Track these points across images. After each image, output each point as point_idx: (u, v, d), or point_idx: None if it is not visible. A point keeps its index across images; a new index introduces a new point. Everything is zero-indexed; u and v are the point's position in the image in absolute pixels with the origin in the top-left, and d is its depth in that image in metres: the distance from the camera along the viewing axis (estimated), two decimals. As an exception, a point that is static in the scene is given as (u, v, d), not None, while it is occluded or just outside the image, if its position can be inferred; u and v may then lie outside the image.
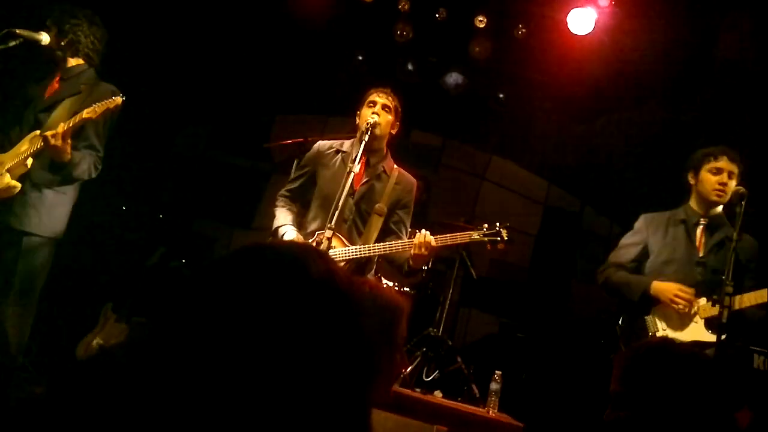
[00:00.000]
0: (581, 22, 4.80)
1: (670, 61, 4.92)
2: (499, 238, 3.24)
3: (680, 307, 3.17)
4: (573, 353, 5.74)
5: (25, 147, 3.24)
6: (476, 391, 4.60)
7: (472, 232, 3.28)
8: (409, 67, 5.86)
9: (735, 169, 3.30)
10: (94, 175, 3.40)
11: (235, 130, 7.23)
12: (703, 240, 3.34)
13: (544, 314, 6.90)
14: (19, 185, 3.19)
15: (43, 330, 3.98)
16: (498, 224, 3.26)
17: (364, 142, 3.24)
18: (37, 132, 3.26)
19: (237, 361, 0.71)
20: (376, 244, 3.29)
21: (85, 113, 3.11)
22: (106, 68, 3.65)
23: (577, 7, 4.81)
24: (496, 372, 4.31)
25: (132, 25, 5.14)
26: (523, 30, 5.43)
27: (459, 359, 4.88)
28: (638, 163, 5.96)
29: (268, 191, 7.06)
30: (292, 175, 3.71)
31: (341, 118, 6.77)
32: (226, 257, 0.83)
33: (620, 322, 3.48)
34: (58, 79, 3.48)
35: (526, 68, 5.88)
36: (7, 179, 3.19)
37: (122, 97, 3.20)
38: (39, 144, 3.16)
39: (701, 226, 3.37)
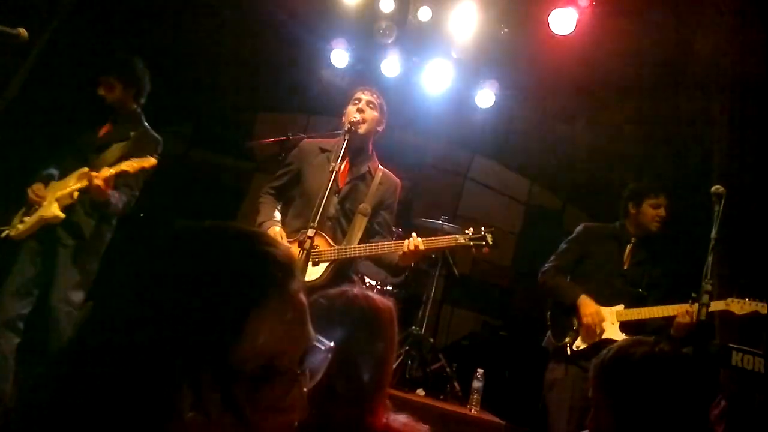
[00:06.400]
0: (562, 22, 4.82)
1: (651, 61, 4.96)
2: (484, 243, 3.22)
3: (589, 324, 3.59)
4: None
5: (73, 182, 3.54)
6: (458, 389, 4.62)
7: (457, 237, 3.23)
8: (391, 65, 5.86)
9: (667, 202, 3.80)
10: (127, 211, 3.75)
11: (217, 130, 7.18)
12: (630, 256, 3.83)
13: (526, 312, 6.93)
14: (63, 216, 3.49)
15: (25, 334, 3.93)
16: (483, 228, 3.23)
17: (346, 140, 3.23)
18: (86, 169, 3.50)
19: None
20: (362, 245, 3.26)
21: (125, 165, 3.42)
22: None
23: (558, 7, 4.83)
24: (479, 370, 4.33)
25: (114, 25, 5.09)
26: (505, 30, 5.45)
27: (441, 357, 4.90)
28: (619, 163, 6.01)
29: (250, 190, 7.04)
30: (278, 172, 3.68)
31: (323, 116, 6.76)
32: (176, 236, 0.81)
33: (548, 315, 3.94)
34: (110, 121, 3.79)
35: (508, 68, 5.90)
36: (54, 208, 3.50)
37: (157, 157, 3.55)
38: (85, 181, 3.44)
39: (631, 245, 3.85)
